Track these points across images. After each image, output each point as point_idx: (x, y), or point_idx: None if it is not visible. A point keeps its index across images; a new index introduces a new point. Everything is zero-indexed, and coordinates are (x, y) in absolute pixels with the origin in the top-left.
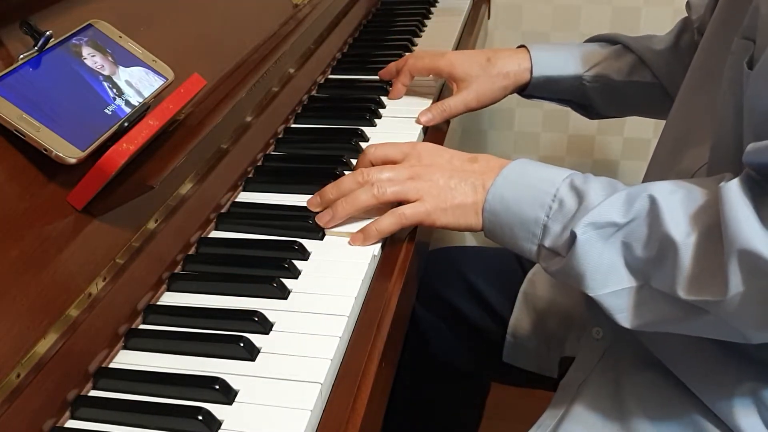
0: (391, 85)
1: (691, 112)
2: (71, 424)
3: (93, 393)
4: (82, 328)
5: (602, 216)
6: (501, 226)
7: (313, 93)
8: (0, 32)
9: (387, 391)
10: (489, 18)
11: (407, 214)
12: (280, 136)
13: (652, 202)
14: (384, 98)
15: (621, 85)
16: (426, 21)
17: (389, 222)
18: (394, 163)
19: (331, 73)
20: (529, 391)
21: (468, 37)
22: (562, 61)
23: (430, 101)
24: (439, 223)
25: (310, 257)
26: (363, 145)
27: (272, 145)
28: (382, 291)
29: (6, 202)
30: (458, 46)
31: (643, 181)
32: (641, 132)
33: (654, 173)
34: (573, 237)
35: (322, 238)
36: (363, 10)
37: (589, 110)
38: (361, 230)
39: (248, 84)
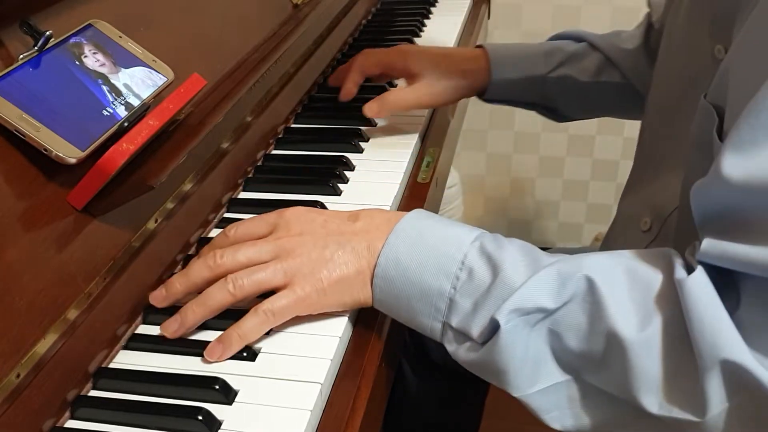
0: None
1: (662, 137)
2: (71, 424)
3: (93, 393)
4: (81, 328)
5: (529, 300)
6: (396, 296)
7: (313, 93)
8: (0, 32)
9: (387, 391)
10: (489, 18)
11: (276, 309)
12: (280, 136)
13: (590, 284)
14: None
15: (588, 86)
16: (426, 21)
17: (253, 324)
18: (259, 239)
19: (332, 73)
20: None
21: (468, 37)
22: (522, 61)
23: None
24: (319, 308)
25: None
26: (363, 145)
27: (272, 145)
28: None
29: (6, 202)
30: (458, 47)
31: (621, 204)
32: None
33: (629, 201)
34: (495, 325)
35: None
36: (363, 10)
37: (555, 113)
38: (219, 338)
39: (248, 84)
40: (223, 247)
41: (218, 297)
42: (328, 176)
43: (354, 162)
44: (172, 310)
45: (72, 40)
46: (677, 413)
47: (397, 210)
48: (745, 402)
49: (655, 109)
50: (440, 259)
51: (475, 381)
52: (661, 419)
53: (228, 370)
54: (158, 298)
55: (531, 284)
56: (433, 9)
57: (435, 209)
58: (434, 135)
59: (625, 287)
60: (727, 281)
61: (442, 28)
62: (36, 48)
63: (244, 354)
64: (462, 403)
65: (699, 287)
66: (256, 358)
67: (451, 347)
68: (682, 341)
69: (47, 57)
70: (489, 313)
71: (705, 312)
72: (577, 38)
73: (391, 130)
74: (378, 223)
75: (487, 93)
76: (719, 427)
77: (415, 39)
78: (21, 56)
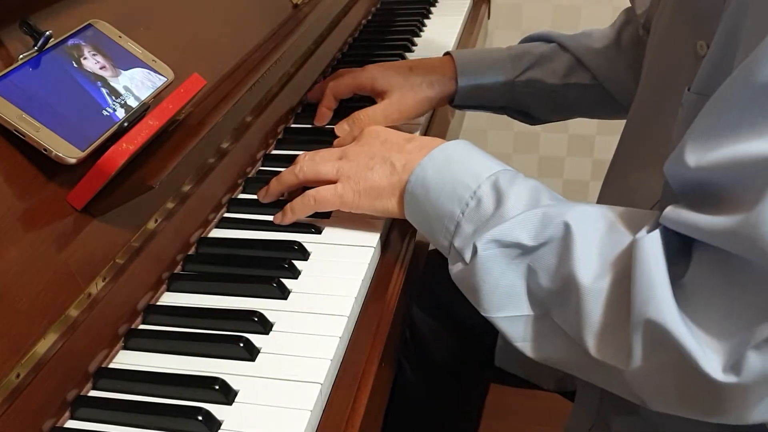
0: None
1: (645, 133)
2: (71, 424)
3: (93, 393)
4: (81, 328)
5: (509, 234)
6: (419, 213)
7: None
8: (0, 32)
9: (387, 391)
10: (489, 18)
11: (317, 197)
12: (280, 136)
13: (567, 230)
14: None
15: (557, 89)
16: (426, 21)
17: (301, 204)
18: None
19: (331, 74)
20: (529, 392)
21: (468, 37)
22: (489, 66)
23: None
24: (354, 207)
25: (310, 257)
26: None
27: (272, 145)
28: (382, 291)
29: (6, 202)
30: (458, 46)
31: (598, 200)
32: None
33: (609, 197)
34: (474, 249)
35: (320, 232)
36: (363, 10)
37: (527, 116)
38: (282, 210)
39: (248, 84)
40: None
41: (287, 176)
42: None
43: None
44: (174, 309)
45: (72, 41)
46: (609, 359)
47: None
48: (664, 361)
49: (638, 105)
50: (457, 187)
51: (476, 381)
52: (601, 364)
53: (228, 370)
54: (262, 194)
55: (516, 220)
56: (433, 9)
57: None
58: (434, 135)
59: (598, 238)
60: (685, 249)
61: (442, 28)
62: (36, 48)
63: (244, 354)
64: (462, 403)
65: (649, 247)
66: (256, 358)
67: (450, 265)
68: (626, 296)
69: (47, 57)
70: (477, 237)
71: (646, 271)
72: (547, 39)
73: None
74: (424, 145)
75: (455, 100)
76: (642, 380)
77: (415, 39)
78: (21, 56)
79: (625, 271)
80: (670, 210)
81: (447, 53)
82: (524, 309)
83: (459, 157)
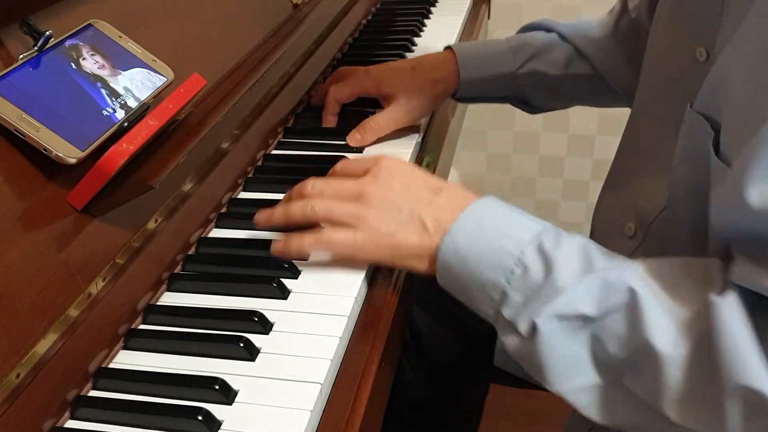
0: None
1: (647, 141)
2: (71, 424)
3: (93, 393)
4: (81, 328)
5: (570, 307)
6: (455, 281)
7: (313, 93)
8: (0, 32)
9: (387, 391)
10: (489, 18)
11: (332, 240)
12: (280, 136)
13: (632, 296)
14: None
15: (557, 79)
16: (426, 21)
17: (310, 241)
18: (355, 177)
19: (331, 74)
20: (529, 392)
21: (468, 37)
22: (490, 59)
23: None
24: (370, 258)
25: (310, 256)
26: None
27: (272, 145)
28: (382, 290)
29: (6, 202)
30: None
31: (599, 208)
32: None
33: (610, 205)
34: (534, 327)
35: None
36: (363, 10)
37: (529, 105)
38: (283, 242)
39: (248, 84)
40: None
41: (295, 211)
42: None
43: None
44: (174, 309)
45: (72, 41)
46: (696, 426)
47: None
48: (762, 427)
49: (638, 112)
50: (498, 255)
51: (476, 381)
52: (684, 428)
53: (228, 370)
54: (262, 219)
55: (575, 291)
56: (433, 9)
57: None
58: (434, 135)
59: (666, 301)
60: (764, 309)
61: (442, 28)
62: (36, 48)
63: (244, 354)
64: (462, 402)
65: (729, 311)
66: (256, 358)
67: (501, 335)
68: (710, 361)
69: (47, 57)
70: (534, 311)
71: (732, 337)
72: (546, 28)
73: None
74: (454, 205)
75: (457, 93)
76: None
77: (415, 39)
78: (21, 56)
79: (703, 335)
80: (740, 271)
81: (448, 47)
82: (591, 377)
83: (493, 222)
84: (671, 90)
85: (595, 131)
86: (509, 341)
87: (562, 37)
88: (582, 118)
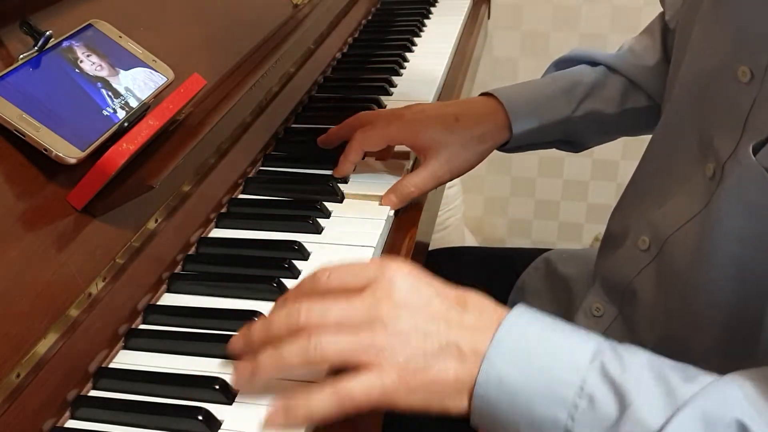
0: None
1: (670, 155)
2: (71, 424)
3: (93, 393)
4: (82, 328)
5: None
6: (500, 421)
7: (313, 93)
8: (0, 32)
9: None
10: (489, 18)
11: (355, 395)
12: (280, 136)
13: (743, 430)
14: (384, 98)
15: (615, 117)
16: (426, 21)
17: (326, 404)
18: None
19: (331, 73)
20: None
21: (468, 36)
22: (542, 106)
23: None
24: (401, 404)
25: (311, 257)
26: None
27: (272, 145)
28: None
29: (6, 202)
30: (458, 47)
31: (615, 215)
32: None
33: (627, 215)
34: None
35: (320, 232)
36: (363, 10)
37: (576, 146)
38: (284, 407)
39: (248, 84)
40: (309, 294)
41: (292, 355)
42: (329, 178)
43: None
44: (174, 309)
45: (72, 41)
46: None
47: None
48: None
49: (667, 127)
50: (553, 383)
51: None
52: None
53: (228, 370)
54: (236, 347)
55: (672, 429)
56: (433, 9)
57: (435, 210)
58: None
59: None
60: None
61: (442, 28)
62: (36, 48)
63: None
64: None
65: None
66: None
67: None
68: None
69: (47, 57)
70: None
71: None
72: (589, 61)
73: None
74: (486, 321)
75: (508, 145)
76: None
77: (415, 39)
78: (21, 56)
79: None
80: None
81: (488, 94)
82: None
83: (538, 342)
84: (702, 108)
85: None
86: None
87: (610, 69)
88: None
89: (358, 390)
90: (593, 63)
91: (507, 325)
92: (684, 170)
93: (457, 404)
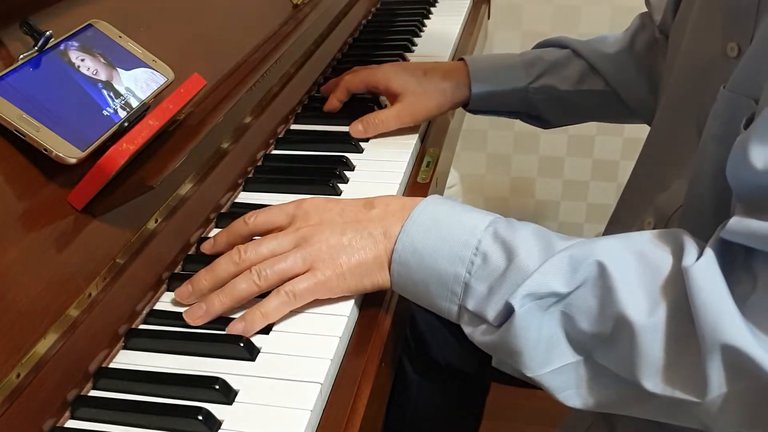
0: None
1: (671, 138)
2: (71, 424)
3: (93, 393)
4: (82, 328)
5: (543, 285)
6: (414, 281)
7: (313, 93)
8: (0, 32)
9: (387, 391)
10: (489, 18)
11: (297, 291)
12: (280, 136)
13: (601, 269)
14: (384, 98)
15: (570, 95)
16: (426, 21)
17: (276, 304)
18: (279, 230)
19: (331, 74)
20: (529, 391)
21: (468, 37)
22: (502, 74)
23: None
24: (339, 291)
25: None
26: (363, 145)
27: (272, 145)
28: (382, 291)
29: (6, 202)
30: (458, 47)
31: (621, 200)
32: (641, 132)
33: (631, 198)
34: (510, 309)
35: None
36: (363, 10)
37: (541, 121)
38: (242, 316)
39: (248, 84)
40: (241, 234)
41: (244, 287)
42: (329, 176)
43: (354, 162)
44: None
45: (72, 41)
46: (679, 394)
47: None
48: (745, 386)
49: (665, 110)
50: (455, 245)
51: (477, 380)
52: (663, 399)
53: (228, 370)
54: (184, 294)
55: (544, 269)
56: (433, 9)
57: None
58: (434, 135)
59: (635, 272)
60: (747, 266)
61: (442, 29)
62: (36, 48)
63: (244, 354)
64: (463, 402)
65: (704, 273)
66: (256, 358)
67: (467, 329)
68: (687, 326)
69: (47, 57)
70: (504, 297)
71: (708, 298)
72: (561, 45)
73: (392, 132)
74: (393, 209)
75: (469, 105)
76: (718, 409)
77: (415, 39)
78: (21, 56)
79: (677, 302)
80: (735, 222)
81: (461, 58)
82: (568, 356)
83: (444, 214)
84: (698, 86)
85: (595, 131)
86: (477, 333)
87: (575, 53)
88: None
89: (299, 288)
90: (564, 47)
91: (422, 205)
92: (685, 155)
93: (382, 276)
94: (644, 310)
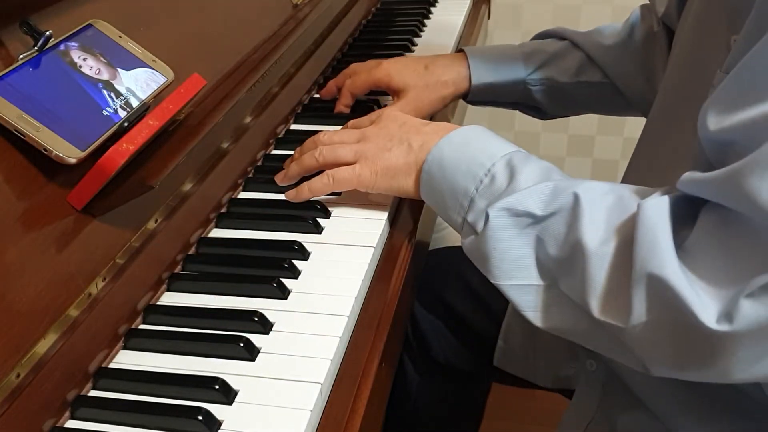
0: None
1: (669, 128)
2: (71, 424)
3: (93, 393)
4: (82, 328)
5: (520, 203)
6: (434, 191)
7: (313, 93)
8: (0, 32)
9: (387, 391)
10: (489, 18)
11: (337, 177)
12: (280, 136)
13: (576, 200)
14: (384, 98)
15: (568, 87)
16: (426, 21)
17: (320, 183)
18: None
19: (331, 74)
20: (529, 392)
21: (468, 37)
22: (502, 65)
23: None
24: (371, 187)
25: (311, 257)
26: None
27: (272, 145)
28: (382, 291)
29: (6, 202)
30: (458, 47)
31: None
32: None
33: (630, 182)
34: (486, 218)
35: (320, 232)
36: (363, 10)
37: (539, 112)
38: (295, 188)
39: (248, 84)
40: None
41: (307, 159)
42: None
43: None
44: (174, 309)
45: (72, 41)
46: (610, 319)
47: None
48: (667, 318)
49: (663, 99)
50: (473, 165)
51: (477, 380)
52: (603, 325)
53: (228, 370)
54: (280, 177)
55: (527, 191)
56: (433, 9)
57: None
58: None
59: (606, 208)
60: (694, 216)
61: (442, 28)
62: (36, 48)
63: (244, 354)
64: (463, 401)
65: (652, 210)
66: (256, 358)
67: (462, 239)
68: (630, 259)
69: (47, 57)
70: (488, 206)
71: (648, 231)
72: (560, 37)
73: None
74: (441, 128)
75: (468, 96)
76: (639, 336)
77: (415, 39)
78: (21, 56)
79: (629, 236)
80: (687, 173)
81: (460, 50)
82: (533, 278)
83: (476, 139)
84: (702, 77)
85: (595, 131)
86: (467, 242)
87: (574, 44)
88: (582, 118)
89: (341, 174)
90: (563, 38)
91: (464, 128)
92: (683, 145)
93: (407, 182)
94: (599, 239)
